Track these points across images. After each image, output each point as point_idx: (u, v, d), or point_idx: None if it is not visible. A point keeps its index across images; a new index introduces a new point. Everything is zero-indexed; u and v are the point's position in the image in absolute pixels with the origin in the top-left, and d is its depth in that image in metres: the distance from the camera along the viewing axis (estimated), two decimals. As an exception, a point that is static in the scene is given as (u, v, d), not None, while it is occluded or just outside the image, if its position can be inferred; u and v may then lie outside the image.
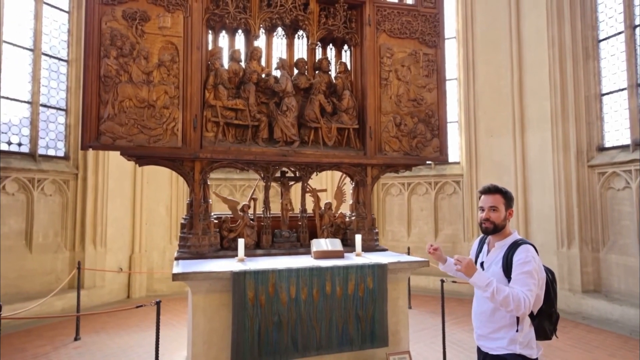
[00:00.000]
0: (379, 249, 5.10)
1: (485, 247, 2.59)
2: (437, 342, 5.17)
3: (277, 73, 5.15)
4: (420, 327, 6.01)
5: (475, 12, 8.66)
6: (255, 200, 4.94)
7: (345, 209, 5.42)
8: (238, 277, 3.55)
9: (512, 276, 2.28)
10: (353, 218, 5.16)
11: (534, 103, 7.69)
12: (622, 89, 6.62)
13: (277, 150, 4.83)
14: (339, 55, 5.69)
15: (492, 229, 2.44)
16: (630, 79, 6.49)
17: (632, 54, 6.50)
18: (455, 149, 9.03)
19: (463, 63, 8.79)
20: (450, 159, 9.06)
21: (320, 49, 5.61)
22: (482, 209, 2.49)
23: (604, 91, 6.98)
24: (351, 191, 5.30)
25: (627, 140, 6.50)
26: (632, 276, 6.24)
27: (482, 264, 2.51)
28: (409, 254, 7.12)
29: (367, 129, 5.21)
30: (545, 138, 7.37)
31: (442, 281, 4.65)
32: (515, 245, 2.37)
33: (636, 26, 6.49)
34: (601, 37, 7.03)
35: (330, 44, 5.69)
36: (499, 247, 2.45)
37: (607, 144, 6.88)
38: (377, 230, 5.28)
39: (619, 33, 6.70)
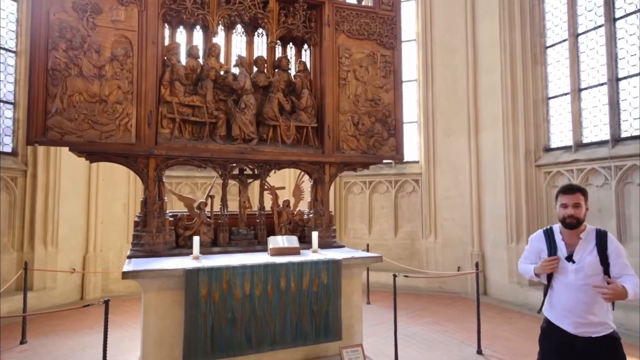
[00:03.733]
0: (336, 246, 5.19)
1: (559, 241, 2.75)
2: (391, 335, 5.33)
3: (236, 70, 5.14)
4: (377, 321, 6.17)
5: (434, 16, 8.94)
6: (212, 197, 4.92)
7: (304, 206, 5.48)
8: (191, 275, 3.54)
9: (613, 263, 2.58)
10: (311, 215, 5.23)
11: (487, 105, 8.04)
12: (566, 93, 7.04)
13: (235, 148, 4.83)
14: (299, 54, 5.74)
15: (576, 223, 2.65)
16: (573, 84, 6.91)
17: (574, 61, 6.92)
18: (415, 149, 9.30)
19: (422, 65, 9.05)
20: (410, 159, 9.38)
21: (280, 47, 5.64)
22: (565, 206, 2.69)
23: (550, 95, 7.39)
24: (310, 189, 5.37)
25: (570, 142, 6.92)
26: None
27: (571, 258, 2.68)
28: (368, 250, 7.29)
29: (325, 127, 5.29)
30: (497, 139, 7.72)
31: (395, 275, 4.80)
32: (601, 235, 2.64)
33: (578, 34, 6.91)
34: (548, 44, 7.44)
35: (290, 43, 5.73)
36: (585, 238, 2.67)
37: (553, 145, 7.30)
38: (334, 228, 5.37)
39: (564, 40, 7.11)
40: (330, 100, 5.34)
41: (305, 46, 5.70)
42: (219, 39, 5.21)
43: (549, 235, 2.80)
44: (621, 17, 6.23)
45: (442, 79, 8.80)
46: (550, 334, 2.75)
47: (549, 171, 7.17)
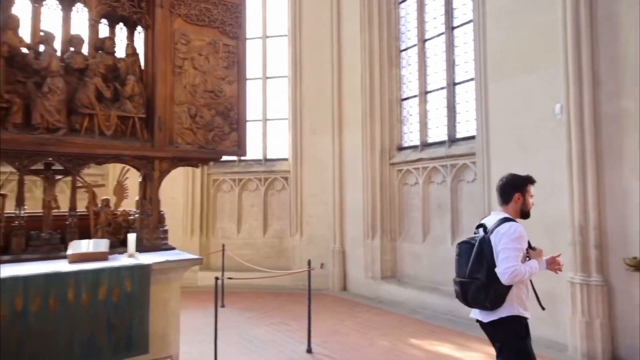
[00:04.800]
0: (165, 248, 4.75)
1: None
2: (227, 339, 5.08)
3: (42, 49, 4.42)
4: (222, 324, 5.81)
5: (303, 12, 8.89)
6: (4, 196, 4.16)
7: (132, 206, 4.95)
8: None
9: None
10: (137, 216, 4.73)
11: (350, 104, 8.20)
12: (415, 96, 7.44)
13: (34, 138, 4.12)
14: (131, 37, 5.16)
15: None
16: (420, 86, 7.33)
17: (422, 65, 7.35)
18: (285, 146, 9.19)
19: (292, 61, 8.96)
20: (280, 156, 9.26)
21: (108, 27, 5.02)
22: (531, 196, 2.78)
23: (403, 96, 7.77)
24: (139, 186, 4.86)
25: (417, 141, 7.32)
26: (417, 261, 7.06)
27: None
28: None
29: (156, 119, 4.81)
30: (357, 138, 7.91)
31: (217, 279, 4.53)
32: None
33: (425, 40, 7.34)
34: (402, 48, 7.81)
35: (121, 24, 5.14)
36: None
37: (405, 144, 7.68)
38: (165, 228, 4.93)
39: (414, 45, 7.50)
40: (163, 90, 4.87)
41: (140, 28, 5.16)
42: (25, 11, 4.44)
43: None
44: (458, 26, 6.72)
45: (311, 75, 8.79)
46: (527, 325, 2.65)
47: (401, 169, 7.53)
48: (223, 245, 7.30)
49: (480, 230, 2.71)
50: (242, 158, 9.46)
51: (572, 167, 4.58)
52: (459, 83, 6.69)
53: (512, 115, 5.36)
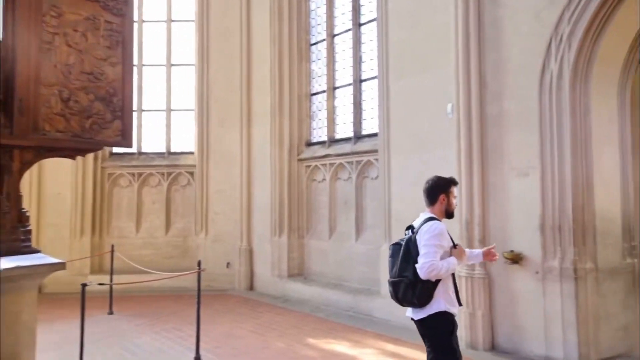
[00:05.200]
0: (27, 252, 4.07)
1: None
2: (109, 349, 4.56)
3: None
4: (103, 335, 5.25)
5: (211, -3, 8.40)
6: None
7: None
8: None
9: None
10: (-11, 214, 4.01)
11: (259, 97, 7.90)
12: (324, 91, 7.36)
13: None
14: (-12, 4, 4.38)
15: None
16: (329, 82, 7.26)
17: (331, 60, 7.28)
18: (191, 139, 8.63)
19: (199, 49, 8.43)
20: (185, 149, 8.69)
21: (-44, -10, 4.20)
22: (454, 197, 2.87)
23: (312, 91, 7.65)
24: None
25: (326, 137, 7.26)
26: (323, 258, 7.00)
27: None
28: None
29: (16, 101, 4.11)
30: (265, 132, 7.65)
31: (84, 285, 4.01)
32: None
33: (335, 35, 7.28)
34: (312, 41, 7.69)
35: (-26, -13, 4.33)
36: None
37: (314, 140, 7.57)
38: (29, 228, 4.21)
39: (323, 40, 7.42)
40: (26, 68, 4.13)
41: (0, -5, 4.39)
42: None
43: None
44: (364, 23, 6.74)
45: (219, 65, 8.34)
46: (454, 321, 2.72)
47: (309, 165, 7.42)
48: (112, 246, 6.61)
49: (409, 231, 2.80)
50: (143, 151, 8.74)
51: (460, 165, 4.75)
52: (365, 80, 6.71)
53: (411, 113, 5.46)
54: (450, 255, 2.70)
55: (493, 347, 4.46)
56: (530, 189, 4.33)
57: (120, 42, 5.02)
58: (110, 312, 6.14)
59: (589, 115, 4.17)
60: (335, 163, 6.97)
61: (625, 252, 4.33)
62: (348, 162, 6.76)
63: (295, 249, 7.37)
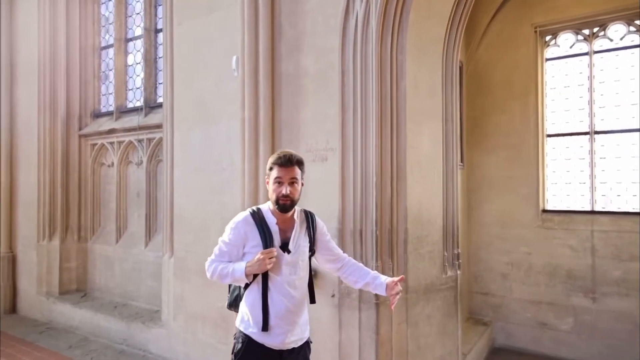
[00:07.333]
0: None
1: (274, 226, 2.01)
2: None
3: None
4: None
5: None
6: None
7: None
8: None
9: (326, 244, 2.16)
10: None
11: (26, 45, 5.66)
12: (111, 45, 5.46)
13: None
14: None
15: (290, 205, 1.99)
16: (118, 31, 5.38)
17: (122, 2, 5.39)
18: None
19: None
20: None
21: None
22: (281, 182, 1.97)
23: (103, 44, 5.69)
24: None
25: (114, 107, 5.41)
26: (109, 268, 5.23)
27: (287, 247, 2.01)
28: None
29: None
30: (32, 95, 5.50)
31: None
32: (309, 215, 2.13)
33: (128, -32, 5.40)
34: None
35: None
36: (298, 221, 2.08)
37: (104, 110, 5.65)
38: None
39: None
40: None
41: None
42: None
43: (259, 218, 2.02)
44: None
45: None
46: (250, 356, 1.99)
47: (95, 143, 5.51)
48: None
49: None
50: None
51: (244, 145, 3.38)
52: (161, 30, 5.00)
53: (196, 70, 3.91)
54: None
55: None
56: (329, 179, 3.11)
57: None
58: None
59: (402, 80, 3.05)
60: (124, 141, 5.19)
61: (446, 263, 3.36)
62: (138, 140, 5.04)
63: (74, 257, 5.46)
